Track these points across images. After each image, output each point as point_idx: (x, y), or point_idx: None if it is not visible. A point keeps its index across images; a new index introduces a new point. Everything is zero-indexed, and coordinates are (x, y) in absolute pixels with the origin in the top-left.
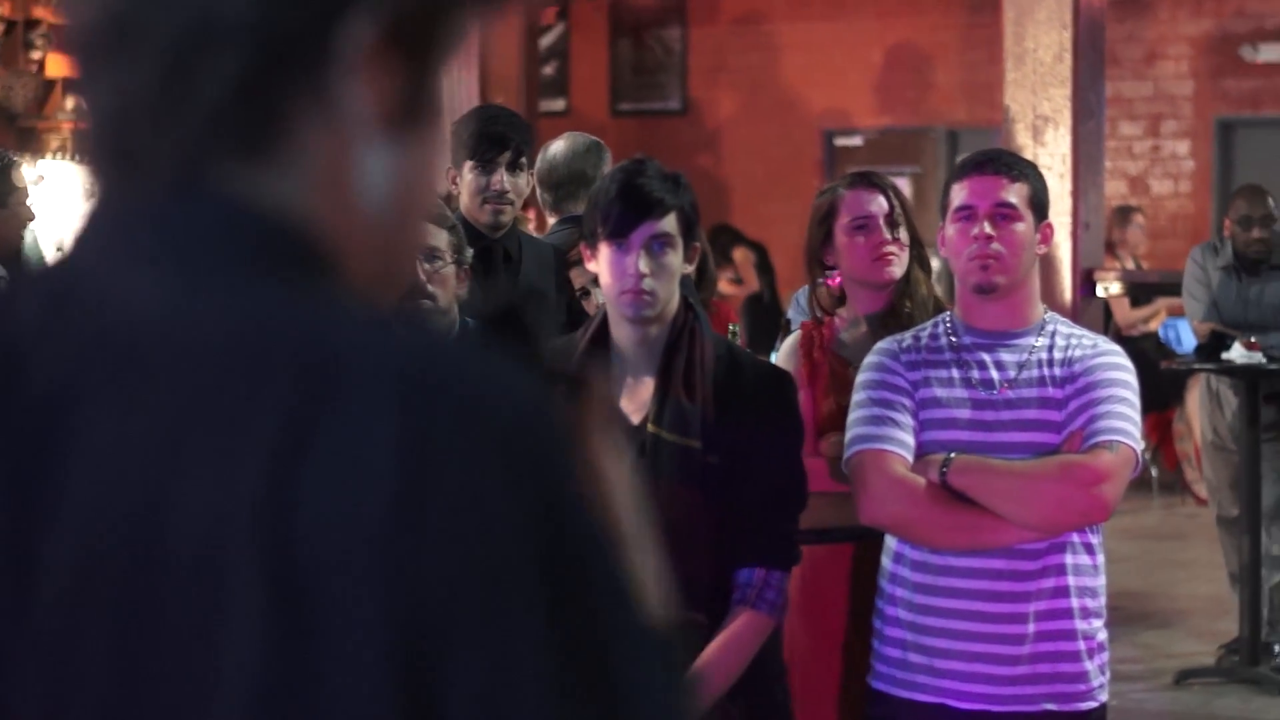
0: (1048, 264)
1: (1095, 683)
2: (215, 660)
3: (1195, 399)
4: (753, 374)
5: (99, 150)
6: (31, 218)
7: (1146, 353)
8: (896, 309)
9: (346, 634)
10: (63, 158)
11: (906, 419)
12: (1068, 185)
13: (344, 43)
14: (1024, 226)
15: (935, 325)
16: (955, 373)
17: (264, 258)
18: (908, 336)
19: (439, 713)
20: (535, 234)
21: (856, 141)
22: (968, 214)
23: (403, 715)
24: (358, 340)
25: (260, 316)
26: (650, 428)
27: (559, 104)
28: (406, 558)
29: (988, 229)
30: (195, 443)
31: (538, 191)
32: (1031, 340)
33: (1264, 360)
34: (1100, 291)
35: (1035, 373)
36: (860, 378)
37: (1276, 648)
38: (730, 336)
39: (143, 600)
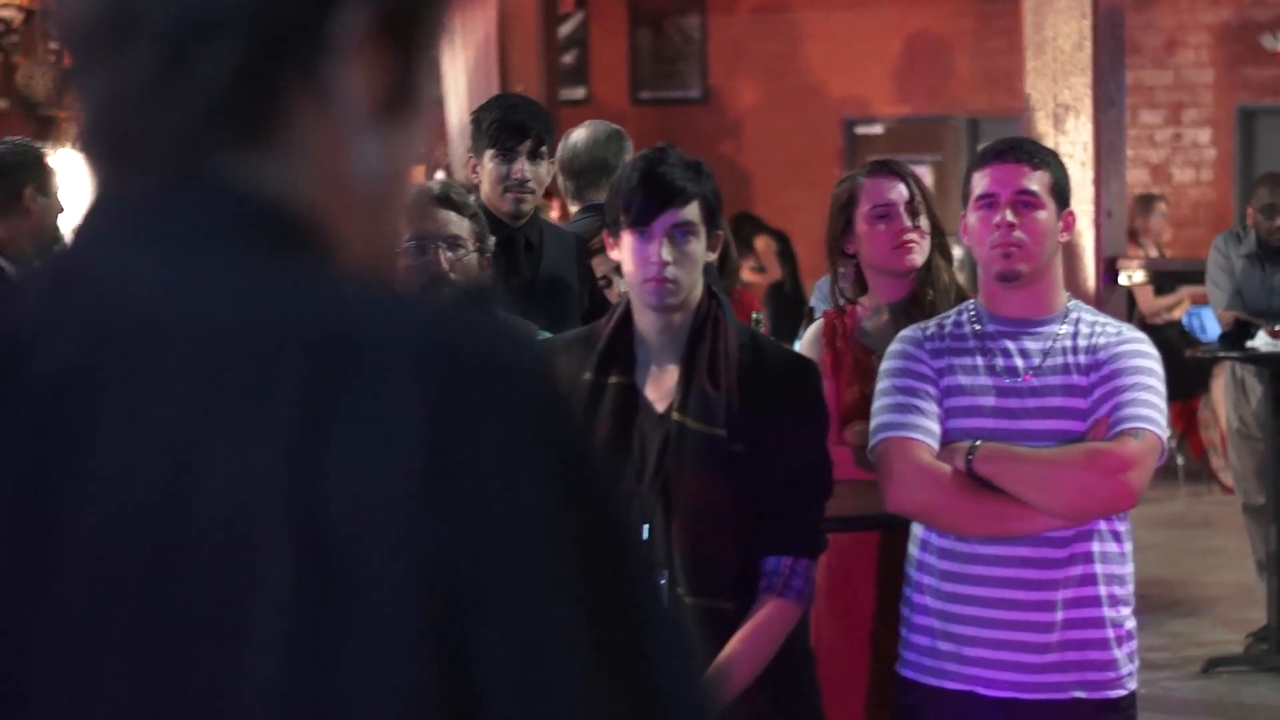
0: (1071, 252)
1: (1124, 670)
2: (246, 635)
3: (1220, 387)
4: (777, 362)
5: (96, 140)
6: (64, 209)
7: (1171, 341)
8: (918, 297)
9: (379, 602)
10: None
11: (931, 407)
12: (1090, 174)
13: (339, 31)
14: (1046, 214)
15: (959, 313)
16: (979, 360)
17: (265, 242)
18: (931, 324)
19: (472, 679)
20: (558, 223)
21: (877, 130)
22: (989, 202)
23: (435, 681)
24: (371, 313)
25: (268, 296)
26: (675, 416)
27: (579, 92)
28: (438, 524)
29: (1010, 217)
30: (215, 421)
31: (559, 179)
32: (1056, 328)
33: None
34: (1123, 280)
35: (1060, 360)
36: (884, 366)
37: None
38: (754, 324)
39: (169, 581)
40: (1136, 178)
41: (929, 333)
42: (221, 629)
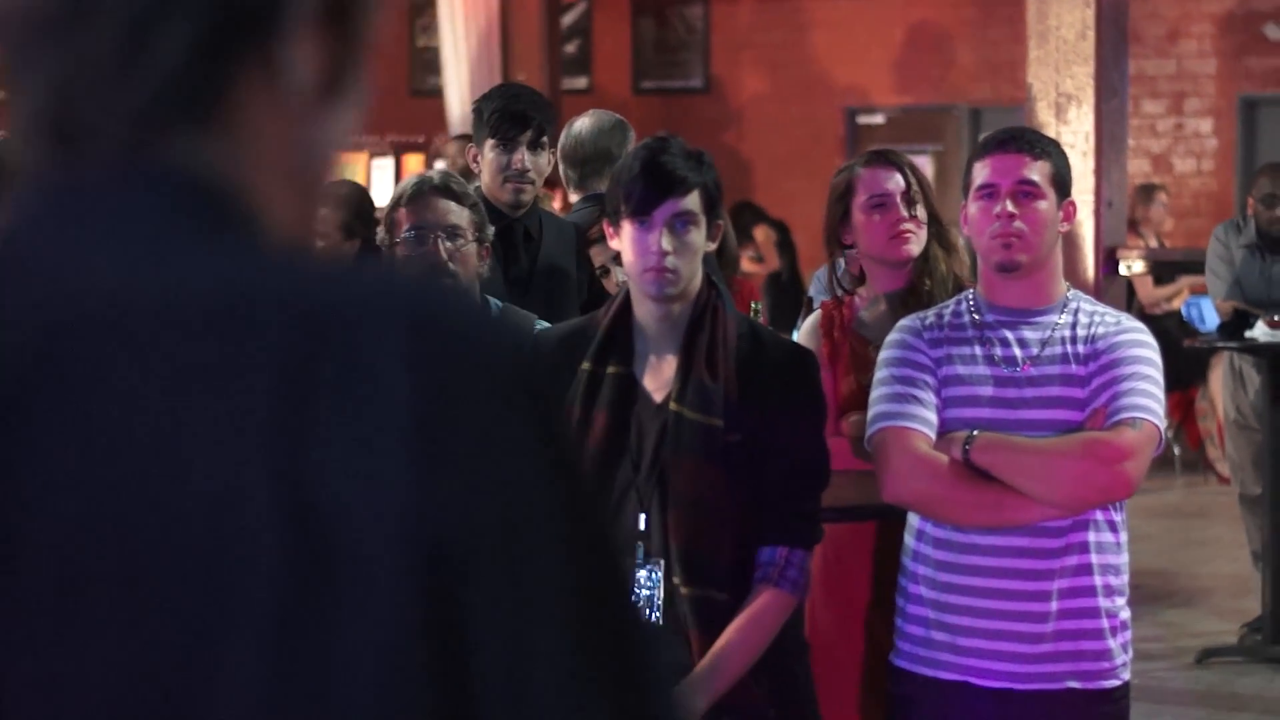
0: (1070, 242)
1: (1118, 661)
2: (236, 613)
3: (1218, 377)
4: (775, 352)
5: (40, 124)
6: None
7: (1169, 331)
8: (916, 287)
9: (371, 576)
10: None
11: (929, 396)
12: (1091, 163)
13: (291, 12)
14: (1046, 204)
15: (958, 303)
16: (978, 350)
17: (220, 222)
18: (930, 314)
19: (464, 651)
20: (559, 213)
21: (879, 119)
22: (990, 192)
23: (429, 654)
24: (347, 288)
25: (236, 275)
26: (673, 406)
27: (581, 82)
28: (430, 496)
29: (1010, 207)
30: (193, 403)
31: (561, 168)
32: (1054, 317)
33: None
34: (1123, 270)
35: (1058, 350)
36: (883, 355)
37: None
38: (753, 314)
39: (152, 564)
40: (1138, 167)
41: (927, 322)
42: (210, 610)
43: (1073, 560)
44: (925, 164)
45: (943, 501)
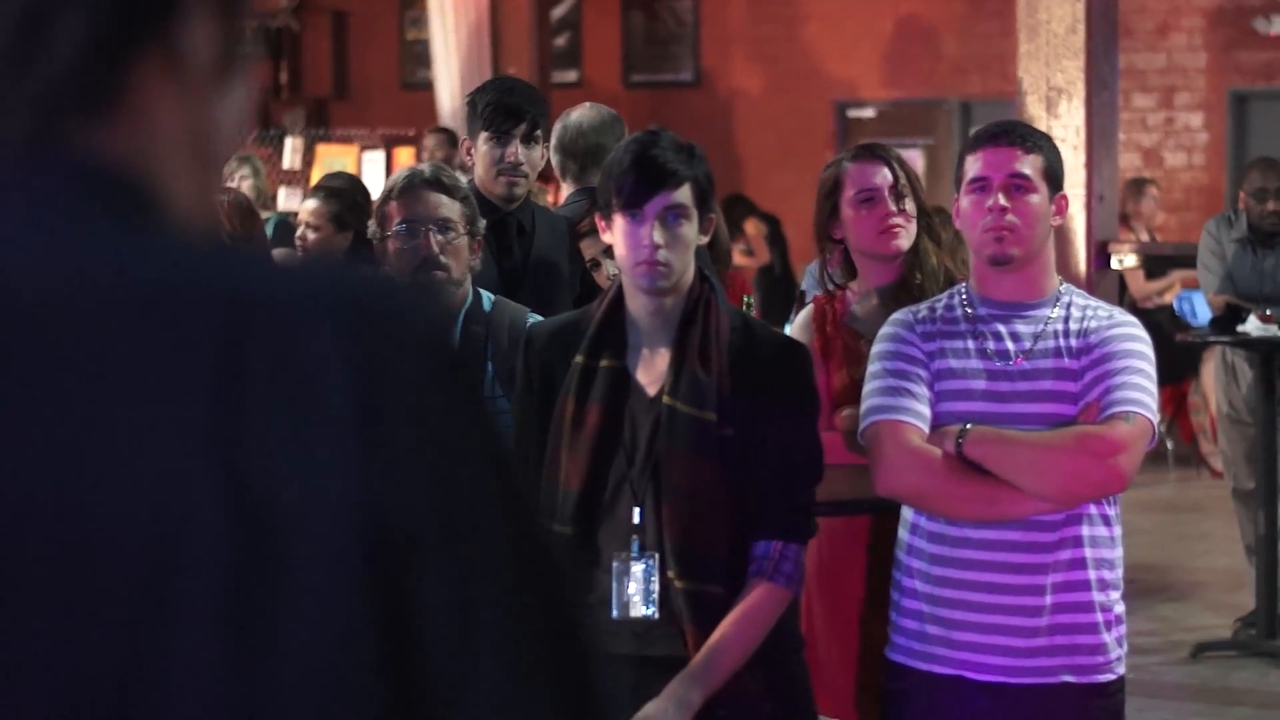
0: (1062, 236)
1: (1113, 655)
2: (180, 606)
3: (1211, 371)
4: (768, 346)
5: None
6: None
7: (1161, 325)
8: (907, 281)
9: (316, 561)
10: None
11: (922, 390)
12: (1081, 157)
13: None
14: (1038, 198)
15: (950, 296)
16: (970, 344)
17: (127, 210)
18: (923, 308)
19: (411, 633)
20: (552, 206)
21: (869, 113)
22: (982, 185)
23: (376, 638)
24: (277, 275)
25: (150, 265)
26: (666, 400)
27: (571, 75)
28: (372, 480)
29: (1002, 200)
30: (125, 396)
31: (557, 160)
32: (1047, 311)
33: (1279, 332)
34: (1115, 264)
35: (1051, 344)
36: (875, 349)
37: None
38: (745, 308)
39: (93, 559)
40: (1128, 161)
41: (920, 316)
42: (155, 604)
43: (1067, 554)
44: (915, 158)
45: (936, 495)
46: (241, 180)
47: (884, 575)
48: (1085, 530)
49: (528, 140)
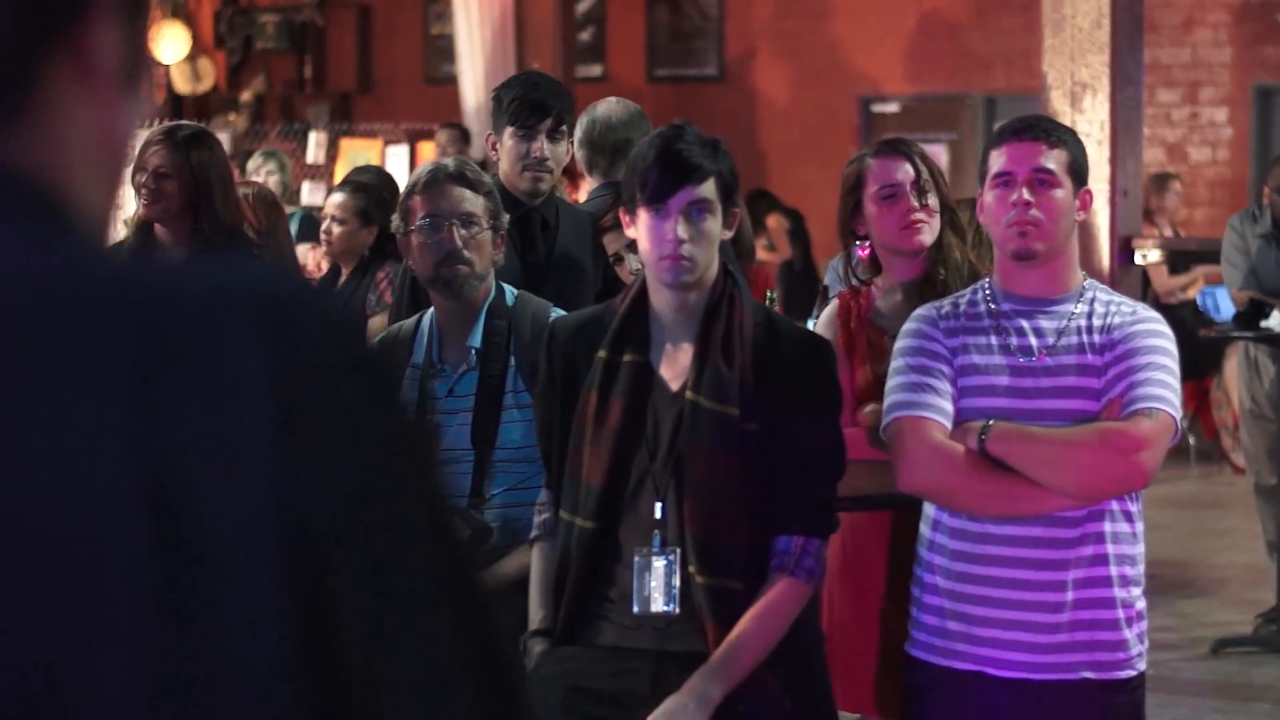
0: (1086, 231)
1: (1134, 651)
2: (102, 613)
3: (1233, 367)
4: (791, 341)
5: None
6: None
7: (1184, 320)
8: (931, 276)
9: (237, 562)
10: None
11: (945, 386)
12: (1106, 152)
13: (94, 1)
14: (1062, 193)
15: (974, 292)
16: (994, 339)
17: (39, 217)
18: (946, 303)
19: (333, 633)
20: (575, 201)
21: (893, 108)
22: (1006, 180)
23: (299, 637)
24: (192, 275)
25: (67, 270)
26: (689, 395)
27: (596, 70)
28: (291, 479)
29: (1026, 195)
30: (41, 401)
31: (583, 154)
32: (1070, 307)
33: None
34: (1138, 259)
35: (1074, 339)
36: (899, 344)
37: None
38: (768, 303)
39: (11, 566)
40: (1153, 156)
41: (944, 311)
42: (76, 608)
43: (1088, 550)
44: (939, 153)
45: (958, 491)
46: (268, 175)
47: (905, 571)
48: (1107, 526)
49: (553, 136)
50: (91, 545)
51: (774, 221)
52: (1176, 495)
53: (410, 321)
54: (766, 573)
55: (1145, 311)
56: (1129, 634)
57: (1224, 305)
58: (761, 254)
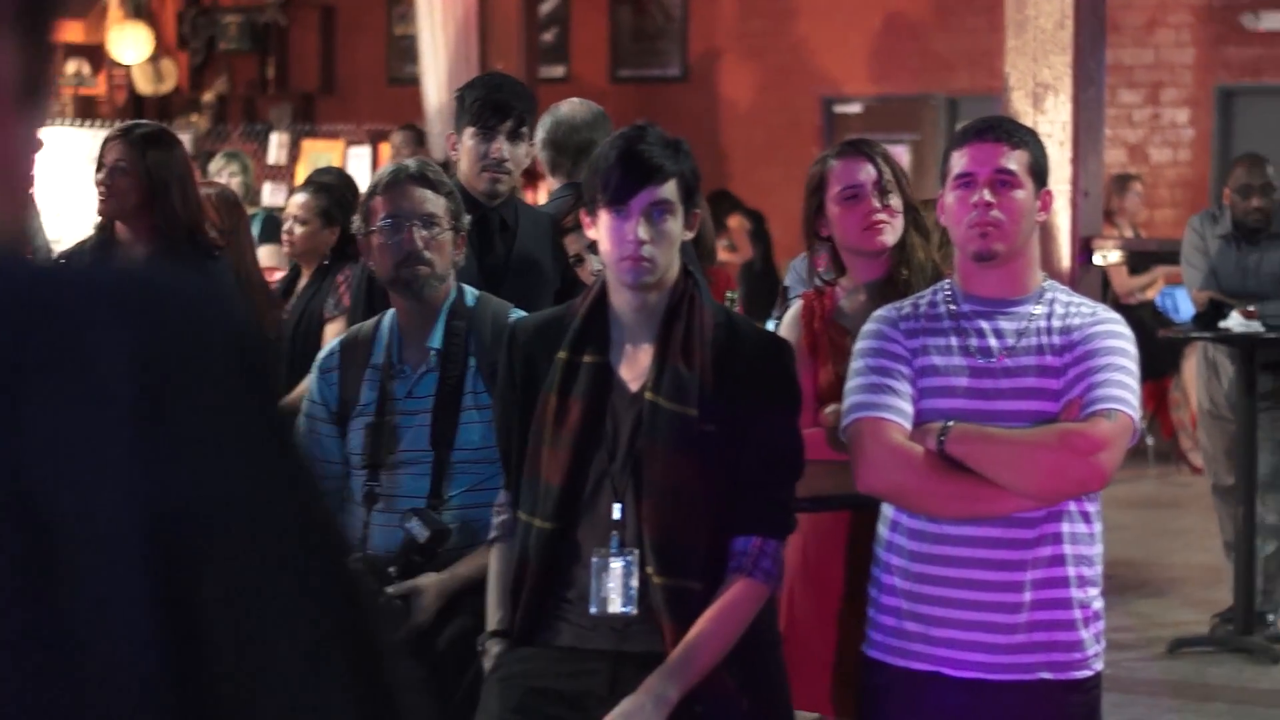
0: (1046, 232)
1: (1091, 651)
2: None
3: (1192, 367)
4: (751, 342)
5: None
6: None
7: (1144, 321)
8: (894, 276)
9: (99, 558)
10: (61, 123)
11: (905, 387)
12: (1068, 153)
13: None
14: (1024, 194)
15: (934, 293)
16: (954, 341)
17: None
18: (906, 304)
19: (200, 631)
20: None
21: (856, 109)
22: (967, 181)
23: (163, 634)
24: (60, 272)
25: None
26: (648, 395)
27: (559, 70)
28: (153, 471)
29: (987, 196)
30: None
31: (547, 155)
32: (1030, 308)
33: (1261, 329)
34: (1098, 260)
35: (1034, 341)
36: (858, 345)
37: (1270, 617)
38: (728, 304)
39: None
40: (1114, 157)
41: (904, 313)
42: None
43: (1046, 551)
44: (902, 154)
45: (917, 492)
46: (230, 177)
47: (863, 571)
48: (1065, 527)
49: (513, 137)
50: None
51: (735, 222)
52: (1135, 495)
53: (371, 322)
54: (724, 573)
55: (1105, 312)
56: (1086, 634)
57: (1183, 306)
58: (723, 255)
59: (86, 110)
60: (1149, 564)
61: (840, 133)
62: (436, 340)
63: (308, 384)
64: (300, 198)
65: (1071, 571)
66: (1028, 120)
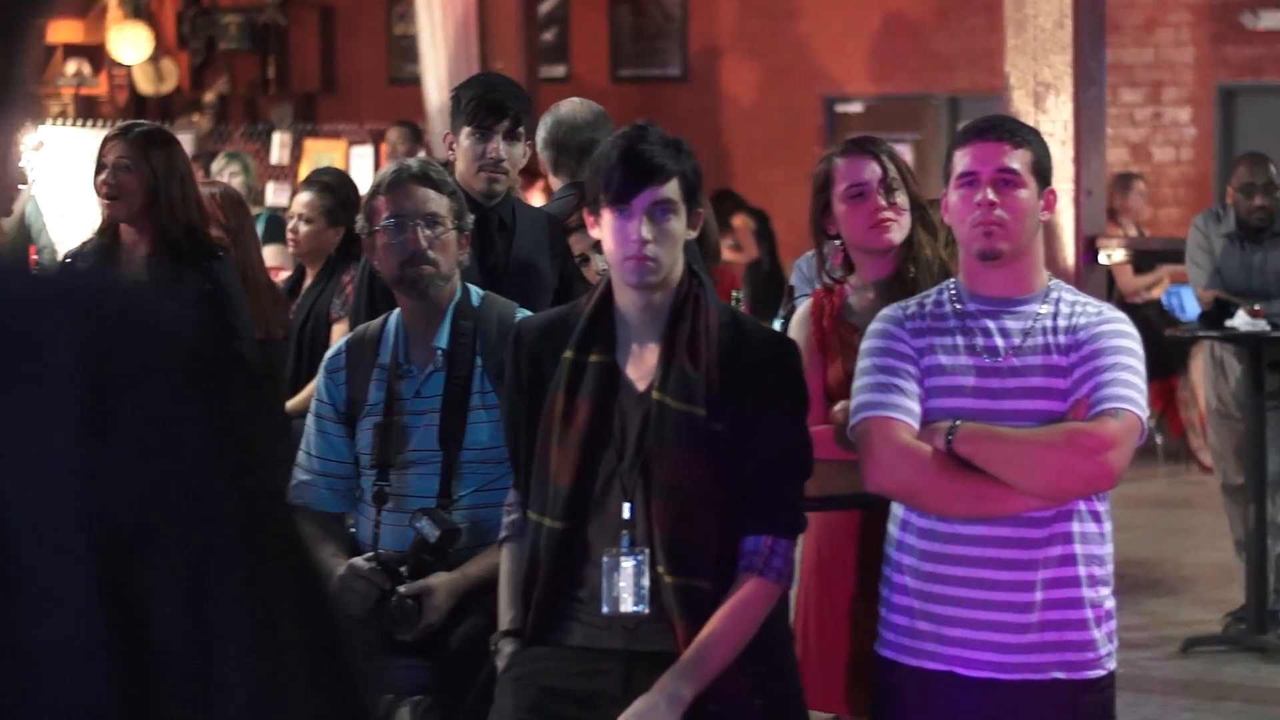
0: (1050, 231)
1: (1103, 651)
2: None
3: (1199, 366)
4: (757, 341)
5: None
6: (22, 180)
7: (1150, 320)
8: (901, 274)
9: (44, 559)
10: (63, 123)
11: (912, 386)
12: (1070, 152)
13: None
14: (1027, 193)
15: (940, 292)
16: (960, 340)
17: None
18: (912, 304)
19: (145, 634)
20: (541, 201)
21: (857, 108)
22: (970, 180)
23: (108, 635)
24: (13, 280)
25: None
26: (655, 395)
27: (559, 70)
28: (98, 479)
29: (990, 195)
30: None
31: (545, 154)
32: (1036, 307)
33: (1268, 327)
34: (1103, 258)
35: (1040, 340)
36: (865, 345)
37: None
38: (734, 303)
39: None
40: (1116, 156)
41: (909, 312)
42: None
43: (1057, 550)
44: (904, 153)
45: (925, 492)
46: (231, 177)
47: (875, 570)
48: (1075, 527)
49: (510, 137)
50: None
51: (740, 221)
52: (1144, 495)
53: (377, 322)
54: (735, 572)
55: (1111, 312)
56: (1098, 634)
57: (1189, 305)
58: (728, 254)
59: (88, 111)
60: (1160, 563)
61: (842, 132)
62: (443, 340)
63: (315, 385)
64: (305, 196)
65: (1082, 571)
66: (1029, 119)
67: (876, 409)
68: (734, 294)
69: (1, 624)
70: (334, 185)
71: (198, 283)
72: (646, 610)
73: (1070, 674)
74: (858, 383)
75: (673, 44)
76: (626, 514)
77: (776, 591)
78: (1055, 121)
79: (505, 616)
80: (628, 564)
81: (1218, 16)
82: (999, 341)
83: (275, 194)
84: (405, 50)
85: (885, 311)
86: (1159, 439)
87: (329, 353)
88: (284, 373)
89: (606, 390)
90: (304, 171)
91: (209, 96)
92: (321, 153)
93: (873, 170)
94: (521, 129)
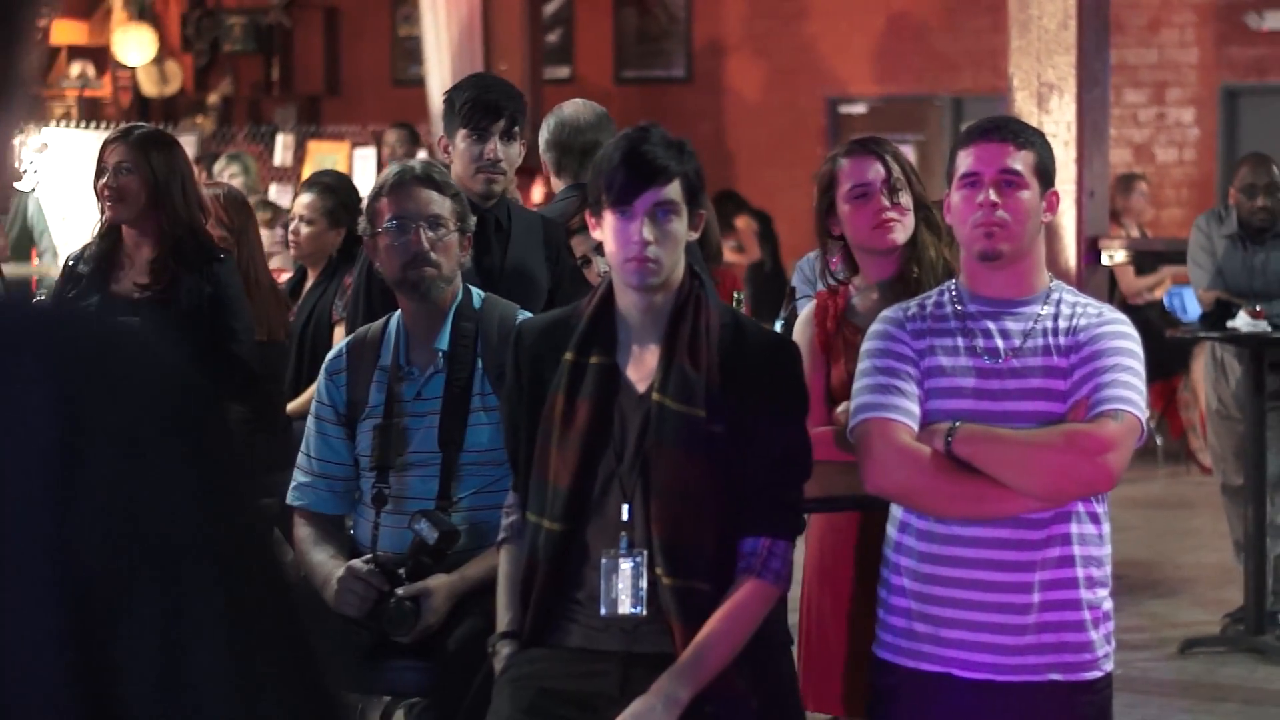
0: (1052, 232)
1: (1101, 652)
2: None
3: (1200, 367)
4: (758, 343)
5: None
6: (19, 178)
7: (1151, 321)
8: (905, 274)
9: (11, 601)
10: (67, 125)
11: (912, 388)
12: (1073, 153)
13: None
14: (1029, 194)
15: (940, 293)
16: (960, 341)
17: None
18: (913, 305)
19: (117, 677)
20: (540, 203)
21: (861, 109)
22: (973, 181)
23: (80, 678)
24: None
25: None
26: (655, 396)
27: (563, 71)
28: (69, 519)
29: (993, 196)
30: None
31: (548, 155)
32: (1037, 309)
33: (1269, 328)
34: (1105, 259)
35: (1040, 341)
36: (865, 346)
37: None
38: (735, 304)
39: None
40: (1120, 157)
41: (910, 313)
42: None
43: (1055, 552)
44: (907, 154)
45: (924, 493)
46: (231, 178)
47: (873, 572)
48: (1074, 528)
49: (506, 137)
50: None
51: (743, 223)
52: (1144, 495)
53: (378, 324)
54: (733, 574)
55: (1111, 313)
56: (1096, 635)
57: (1191, 306)
58: (730, 255)
59: (92, 113)
60: (1159, 564)
61: (845, 133)
62: (444, 342)
63: (316, 387)
64: (306, 197)
65: (1080, 572)
66: (1032, 120)
67: (876, 410)
68: (736, 295)
69: None
70: (335, 186)
71: (198, 285)
72: (644, 612)
73: (1068, 675)
74: (858, 384)
75: (677, 45)
76: (625, 515)
77: (774, 593)
78: (1059, 122)
79: (503, 618)
80: (626, 565)
81: (1222, 17)
82: (999, 343)
83: (278, 196)
84: (410, 52)
85: (886, 313)
86: (1159, 440)
87: (330, 355)
88: (285, 374)
89: (607, 392)
90: (307, 173)
91: (213, 98)
92: (325, 154)
93: (877, 171)
94: (517, 129)
